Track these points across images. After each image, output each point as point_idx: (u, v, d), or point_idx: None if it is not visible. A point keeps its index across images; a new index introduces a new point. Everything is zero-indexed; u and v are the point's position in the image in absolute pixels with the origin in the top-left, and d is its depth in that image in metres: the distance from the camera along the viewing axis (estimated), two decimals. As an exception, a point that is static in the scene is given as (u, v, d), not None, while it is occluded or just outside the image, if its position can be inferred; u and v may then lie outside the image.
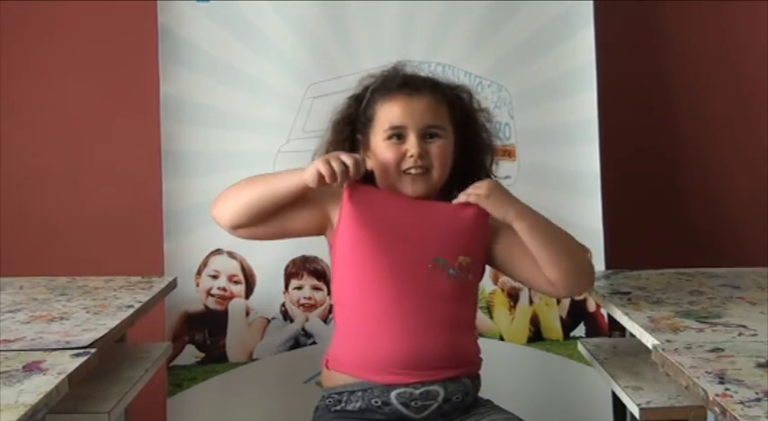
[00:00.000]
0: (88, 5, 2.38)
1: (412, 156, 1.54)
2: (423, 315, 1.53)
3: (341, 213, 1.56)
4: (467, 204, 1.57)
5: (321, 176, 1.47)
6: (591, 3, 2.24)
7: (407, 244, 1.54)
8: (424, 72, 1.70)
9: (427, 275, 1.53)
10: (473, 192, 1.55)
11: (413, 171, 1.55)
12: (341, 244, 1.57)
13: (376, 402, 1.51)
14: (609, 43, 2.30)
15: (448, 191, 1.63)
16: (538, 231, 1.55)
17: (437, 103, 1.58)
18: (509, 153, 2.24)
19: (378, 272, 1.54)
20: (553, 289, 1.61)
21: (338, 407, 1.55)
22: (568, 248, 1.58)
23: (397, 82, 1.60)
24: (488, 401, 1.62)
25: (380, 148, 1.57)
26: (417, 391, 1.51)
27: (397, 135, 1.56)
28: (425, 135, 1.56)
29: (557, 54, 2.24)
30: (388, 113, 1.57)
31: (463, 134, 1.62)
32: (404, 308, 1.52)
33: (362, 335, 1.54)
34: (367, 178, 1.60)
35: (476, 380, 1.59)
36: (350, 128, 1.62)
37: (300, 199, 1.55)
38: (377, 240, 1.54)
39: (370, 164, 1.60)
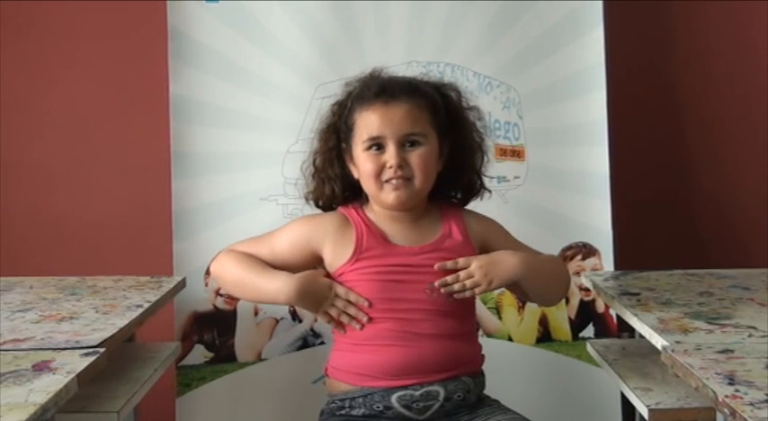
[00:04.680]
0: (97, 5, 2.38)
1: (391, 166, 1.52)
2: (423, 330, 1.52)
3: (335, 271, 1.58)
4: (450, 231, 1.59)
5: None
6: (600, 3, 2.23)
7: (406, 284, 1.54)
8: (430, 74, 1.69)
9: (427, 298, 1.53)
10: (473, 288, 1.53)
11: (393, 181, 1.53)
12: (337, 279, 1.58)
13: (378, 407, 1.51)
14: (618, 43, 2.29)
15: (439, 194, 1.62)
16: (535, 278, 1.58)
17: (417, 109, 1.55)
18: (518, 153, 2.23)
19: (377, 303, 1.53)
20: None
21: (343, 412, 1.55)
22: (557, 282, 1.63)
23: (374, 90, 1.56)
24: (495, 401, 1.61)
25: (361, 159, 1.56)
26: (417, 392, 1.51)
27: (377, 145, 1.54)
28: (405, 143, 1.54)
29: (566, 54, 2.23)
30: (366, 124, 1.55)
31: (451, 135, 1.60)
32: (404, 323, 1.52)
33: (361, 349, 1.54)
34: (355, 186, 1.61)
35: (477, 378, 1.59)
36: (335, 136, 1.61)
37: (287, 261, 1.60)
38: (374, 289, 1.54)
39: (356, 173, 1.59)
